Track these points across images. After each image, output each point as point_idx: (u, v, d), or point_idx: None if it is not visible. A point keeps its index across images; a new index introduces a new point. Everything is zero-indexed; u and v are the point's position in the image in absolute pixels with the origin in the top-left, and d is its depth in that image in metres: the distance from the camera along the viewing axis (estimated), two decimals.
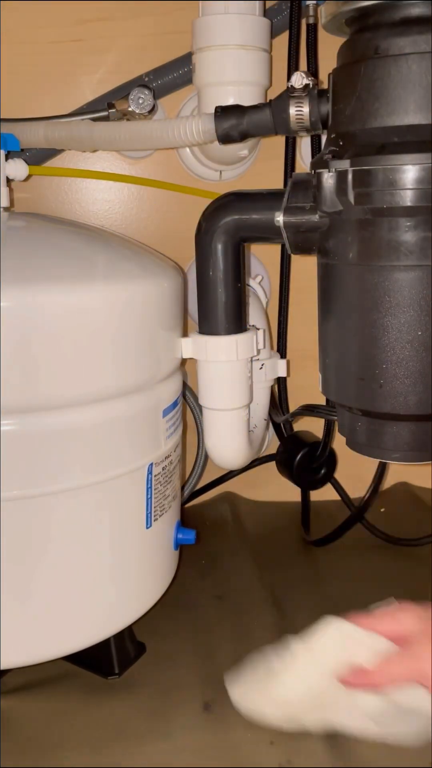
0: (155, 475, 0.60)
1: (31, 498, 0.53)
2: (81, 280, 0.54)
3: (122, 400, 0.57)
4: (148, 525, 0.60)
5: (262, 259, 0.87)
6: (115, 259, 0.60)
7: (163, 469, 0.61)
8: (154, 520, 0.61)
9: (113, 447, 0.56)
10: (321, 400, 0.74)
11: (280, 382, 0.85)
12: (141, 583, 0.62)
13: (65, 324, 0.52)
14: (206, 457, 0.78)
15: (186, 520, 0.73)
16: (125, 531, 0.59)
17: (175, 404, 0.63)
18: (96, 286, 0.54)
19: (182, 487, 0.82)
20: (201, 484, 0.88)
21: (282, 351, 0.85)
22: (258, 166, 0.84)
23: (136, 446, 0.58)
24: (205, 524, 0.87)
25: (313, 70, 0.77)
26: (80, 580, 0.57)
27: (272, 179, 0.81)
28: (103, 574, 0.58)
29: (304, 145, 0.82)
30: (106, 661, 0.62)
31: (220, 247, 0.61)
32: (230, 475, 0.89)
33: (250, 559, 0.80)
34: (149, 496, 0.60)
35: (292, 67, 0.76)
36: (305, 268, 0.73)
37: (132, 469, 0.58)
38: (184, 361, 0.66)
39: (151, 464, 0.60)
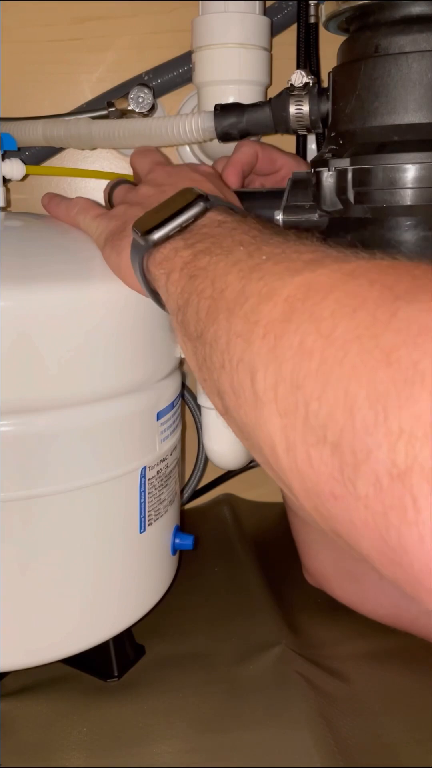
0: (149, 479, 0.59)
1: (25, 500, 0.53)
2: (79, 279, 0.54)
3: (120, 400, 0.56)
4: (142, 530, 0.60)
5: None
6: None
7: (158, 472, 0.61)
8: (149, 525, 0.60)
9: (107, 449, 0.55)
10: None
11: None
12: (137, 587, 0.61)
13: (63, 323, 0.52)
14: (206, 458, 0.78)
15: (185, 521, 0.72)
16: (118, 535, 0.58)
17: (172, 405, 0.63)
18: (94, 284, 0.54)
19: (182, 490, 0.82)
20: (200, 485, 0.87)
21: None
22: None
23: (130, 449, 0.57)
24: (205, 525, 0.87)
25: (313, 69, 0.77)
26: (74, 583, 0.56)
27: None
28: (97, 578, 0.57)
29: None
30: (105, 663, 0.61)
31: None
32: (229, 475, 0.89)
33: (250, 560, 0.80)
34: (143, 501, 0.59)
35: (301, 64, 0.76)
36: None
37: (124, 472, 0.57)
38: (182, 361, 0.66)
39: (145, 468, 0.59)
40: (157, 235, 0.45)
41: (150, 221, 0.46)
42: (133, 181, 0.62)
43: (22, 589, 0.54)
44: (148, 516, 0.60)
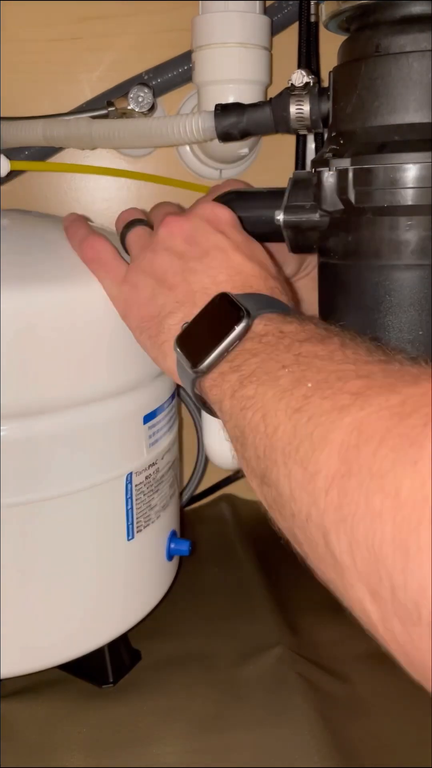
0: (137, 485, 0.58)
1: (20, 505, 0.52)
2: (78, 280, 0.54)
3: (109, 403, 0.55)
4: (130, 537, 0.58)
5: None
6: None
7: (147, 478, 0.59)
8: (137, 532, 0.59)
9: (94, 453, 0.55)
10: None
11: None
12: (128, 594, 0.61)
13: (62, 324, 0.52)
14: (206, 460, 0.78)
15: (185, 521, 0.72)
16: (104, 542, 0.57)
17: (162, 408, 0.61)
18: (93, 285, 0.54)
19: (181, 492, 0.81)
20: (201, 486, 0.87)
21: None
22: (258, 164, 0.84)
23: (115, 454, 0.56)
24: (205, 525, 0.86)
25: (313, 69, 0.76)
26: (64, 589, 0.56)
27: (273, 178, 0.80)
28: (86, 585, 0.57)
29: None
30: (100, 669, 0.61)
31: None
32: (229, 480, 0.88)
33: (250, 560, 0.80)
34: (129, 507, 0.58)
35: (302, 64, 0.75)
36: None
37: (108, 478, 0.56)
38: None
39: (131, 474, 0.58)
40: (203, 365, 0.45)
41: (194, 347, 0.46)
42: (145, 219, 0.59)
43: (15, 595, 0.54)
44: (137, 523, 0.59)
